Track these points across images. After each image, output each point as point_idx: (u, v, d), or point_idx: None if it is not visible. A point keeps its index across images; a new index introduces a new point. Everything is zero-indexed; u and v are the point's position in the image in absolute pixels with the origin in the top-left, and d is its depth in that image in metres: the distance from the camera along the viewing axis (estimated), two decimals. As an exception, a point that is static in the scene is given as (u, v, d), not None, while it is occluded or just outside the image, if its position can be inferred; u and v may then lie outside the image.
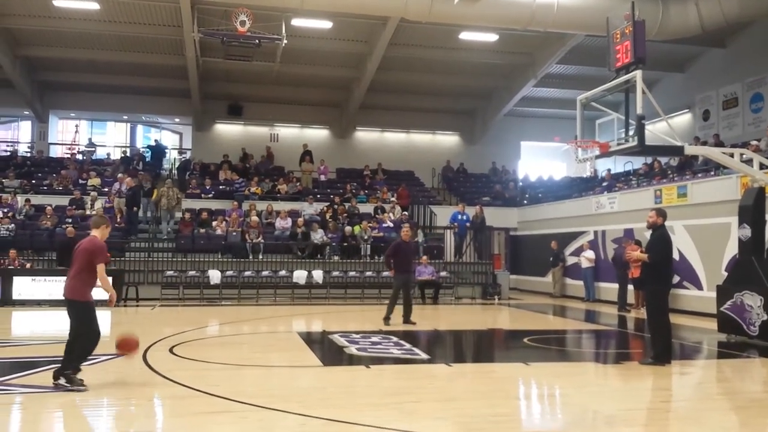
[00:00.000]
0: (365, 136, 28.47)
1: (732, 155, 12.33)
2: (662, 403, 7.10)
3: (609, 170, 23.53)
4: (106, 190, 21.44)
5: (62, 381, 6.78)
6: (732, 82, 21.69)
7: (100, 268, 6.99)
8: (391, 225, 21.20)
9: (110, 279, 15.80)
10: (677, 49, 21.65)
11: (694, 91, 23.41)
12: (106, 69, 24.09)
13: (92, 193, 20.57)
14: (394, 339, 10.92)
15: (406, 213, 22.43)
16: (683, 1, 17.68)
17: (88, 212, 19.75)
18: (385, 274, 16.74)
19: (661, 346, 8.73)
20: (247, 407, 6.14)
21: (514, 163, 29.11)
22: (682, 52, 22.79)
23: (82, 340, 6.96)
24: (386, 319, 12.76)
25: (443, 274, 19.64)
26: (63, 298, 7.08)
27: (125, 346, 7.27)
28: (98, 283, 7.03)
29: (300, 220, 20.30)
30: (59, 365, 6.91)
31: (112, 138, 30.01)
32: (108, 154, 26.97)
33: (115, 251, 18.27)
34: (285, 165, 25.81)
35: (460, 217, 21.11)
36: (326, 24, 20.47)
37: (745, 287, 10.87)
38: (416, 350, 10.01)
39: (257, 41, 19.17)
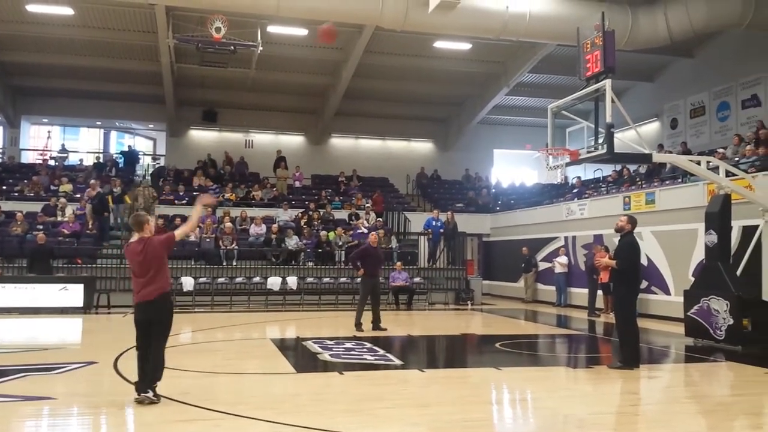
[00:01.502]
0: (340, 142, 28.52)
1: (699, 163, 12.58)
2: (631, 407, 7.22)
3: (579, 177, 23.88)
4: (78, 196, 21.18)
5: (151, 395, 6.49)
6: (699, 91, 22.13)
7: (176, 235, 6.88)
8: (366, 231, 21.22)
9: (81, 286, 15.69)
10: (646, 58, 22.06)
11: (663, 100, 23.84)
12: (80, 74, 23.84)
13: (61, 200, 20.29)
14: (368, 345, 10.96)
15: (380, 219, 22.49)
16: (652, 12, 18.02)
17: (59, 218, 19.51)
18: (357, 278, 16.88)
19: (629, 350, 8.90)
20: (218, 415, 6.14)
21: (487, 170, 29.35)
22: (651, 62, 23.21)
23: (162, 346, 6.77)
24: (358, 325, 12.83)
25: (417, 279, 19.73)
26: (145, 302, 6.65)
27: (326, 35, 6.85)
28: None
29: (274, 227, 20.26)
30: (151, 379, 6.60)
31: (85, 144, 29.68)
32: (81, 160, 26.63)
33: (87, 258, 18.11)
34: (260, 171, 25.73)
35: (434, 223, 21.23)
36: (302, 31, 20.49)
37: (711, 292, 11.08)
38: (390, 356, 10.06)
39: (232, 48, 19.15)
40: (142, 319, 6.70)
